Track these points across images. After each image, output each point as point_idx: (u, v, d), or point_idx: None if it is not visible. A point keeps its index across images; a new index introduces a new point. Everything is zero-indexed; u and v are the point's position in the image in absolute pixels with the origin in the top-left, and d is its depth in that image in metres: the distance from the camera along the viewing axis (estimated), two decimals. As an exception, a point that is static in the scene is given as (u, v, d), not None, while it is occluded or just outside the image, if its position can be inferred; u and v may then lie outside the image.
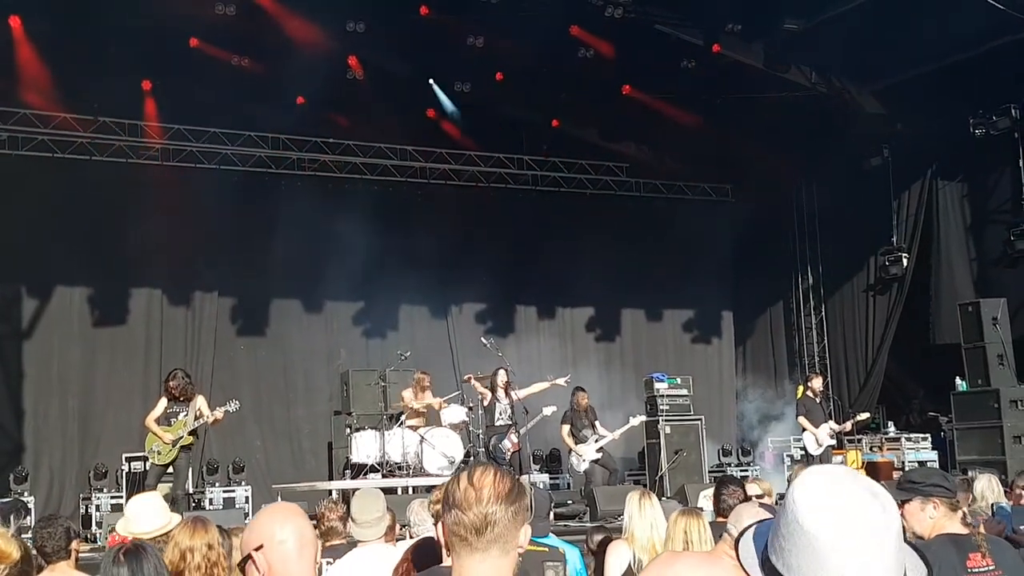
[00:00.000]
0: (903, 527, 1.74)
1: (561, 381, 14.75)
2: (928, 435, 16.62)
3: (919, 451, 16.27)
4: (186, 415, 11.80)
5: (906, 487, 4.67)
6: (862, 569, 1.59)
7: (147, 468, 12.28)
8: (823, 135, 18.27)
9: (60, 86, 15.42)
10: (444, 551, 2.41)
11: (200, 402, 11.95)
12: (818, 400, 14.87)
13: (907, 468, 15.40)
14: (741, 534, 1.82)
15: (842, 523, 1.62)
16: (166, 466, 11.84)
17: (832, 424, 14.94)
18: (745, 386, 20.76)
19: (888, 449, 16.52)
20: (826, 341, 19.74)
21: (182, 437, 11.73)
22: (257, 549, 2.81)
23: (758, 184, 20.02)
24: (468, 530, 2.26)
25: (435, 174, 18.70)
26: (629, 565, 6.31)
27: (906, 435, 16.60)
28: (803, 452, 15.02)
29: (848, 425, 15.38)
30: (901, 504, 5.42)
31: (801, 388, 15.16)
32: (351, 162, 18.00)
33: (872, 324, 18.58)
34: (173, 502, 11.20)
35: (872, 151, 18.39)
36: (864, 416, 15.60)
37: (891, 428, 17.12)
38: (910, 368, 18.32)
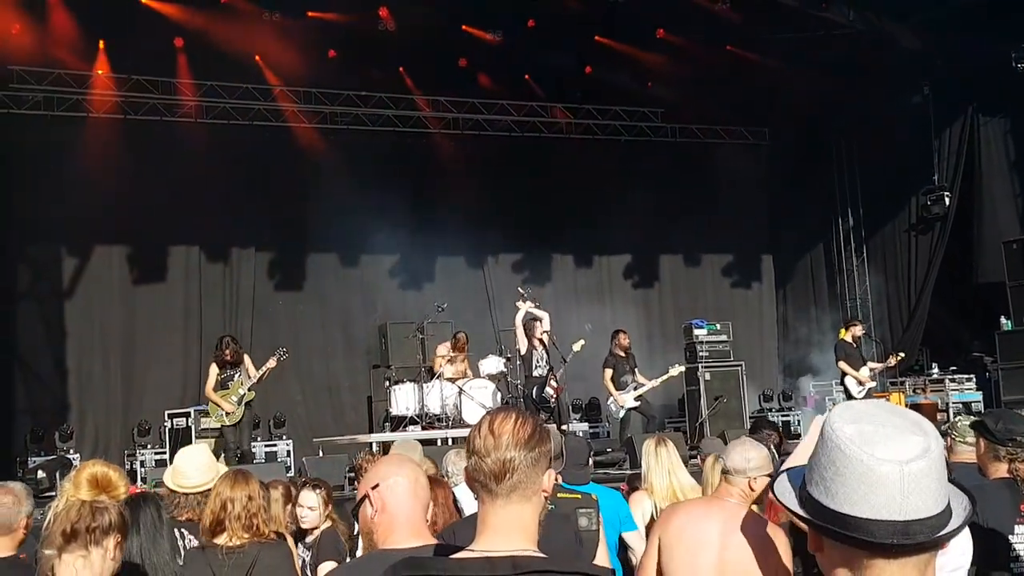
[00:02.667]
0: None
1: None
2: (973, 376, 16.42)
3: (963, 392, 16.11)
4: (240, 375, 12.40)
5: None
6: (906, 485, 1.58)
7: (221, 428, 12.74)
8: (862, 73, 17.94)
9: (92, 45, 15.45)
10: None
11: (247, 362, 12.58)
12: (857, 346, 14.81)
13: (951, 409, 15.29)
14: (775, 478, 1.78)
15: (884, 443, 1.61)
16: (235, 425, 12.41)
17: (872, 364, 14.86)
18: (787, 330, 20.63)
19: (932, 391, 16.36)
20: (868, 283, 19.50)
21: (243, 395, 12.32)
22: (374, 488, 2.98)
23: (796, 126, 19.71)
24: (488, 476, 2.26)
25: (468, 124, 18.59)
26: (652, 516, 6.28)
27: (950, 376, 16.42)
28: (846, 396, 14.91)
29: (892, 360, 15.19)
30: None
31: (843, 331, 15.03)
32: (383, 114, 17.93)
33: (915, 264, 18.33)
34: (241, 457, 11.76)
35: (912, 88, 18.07)
36: (900, 356, 15.38)
37: (935, 369, 16.93)
38: (954, 308, 18.09)
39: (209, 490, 4.88)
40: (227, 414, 12.29)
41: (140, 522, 3.98)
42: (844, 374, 14.58)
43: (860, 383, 14.38)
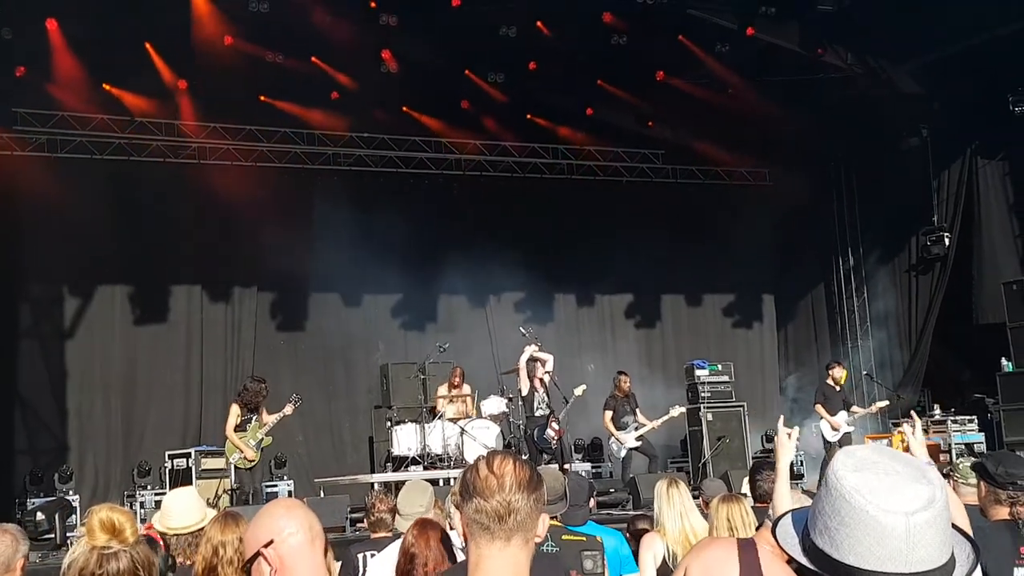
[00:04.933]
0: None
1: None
2: (975, 417, 16.37)
3: (965, 433, 16.04)
4: (255, 420, 12.51)
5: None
6: (912, 536, 1.57)
7: (231, 469, 12.82)
8: (860, 116, 18.04)
9: (97, 88, 15.55)
10: (463, 541, 2.36)
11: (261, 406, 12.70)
12: (838, 389, 14.94)
13: (953, 451, 15.24)
14: (778, 520, 1.78)
15: (888, 493, 1.59)
16: (250, 469, 12.54)
17: (856, 408, 15.06)
18: (788, 370, 20.60)
19: (934, 432, 16.30)
20: (868, 323, 19.50)
21: (261, 440, 12.50)
22: (267, 545, 2.72)
23: (796, 168, 19.79)
24: (491, 518, 2.23)
25: (470, 165, 18.69)
26: (664, 559, 6.23)
27: (952, 417, 16.37)
28: (821, 439, 14.97)
29: (874, 408, 15.44)
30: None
31: (839, 372, 15.09)
32: (386, 156, 18.02)
33: (915, 305, 18.35)
34: (253, 497, 11.77)
35: (910, 131, 18.17)
36: (883, 404, 15.53)
37: (936, 410, 16.88)
38: (955, 349, 18.07)
39: (197, 531, 4.87)
40: (243, 458, 12.34)
41: None
42: (821, 417, 14.66)
43: (834, 428, 14.48)
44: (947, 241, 17.54)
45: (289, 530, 2.73)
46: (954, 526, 1.65)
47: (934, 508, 1.59)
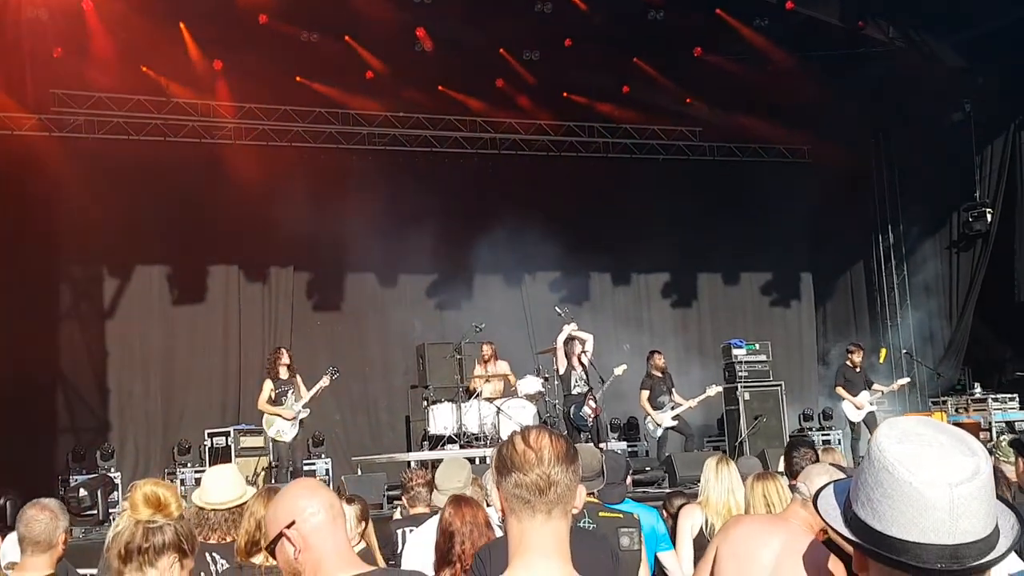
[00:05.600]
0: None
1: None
2: (1016, 395, 16.19)
3: (1007, 411, 15.87)
4: (294, 392, 12.80)
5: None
6: (956, 508, 1.54)
7: (271, 445, 13.32)
8: (901, 91, 17.81)
9: (133, 69, 15.64)
10: (501, 516, 2.36)
11: (298, 380, 13.04)
12: (858, 371, 15.07)
13: (994, 429, 15.10)
14: (819, 492, 1.75)
15: (932, 465, 1.57)
16: (290, 444, 12.82)
17: (878, 386, 15.13)
18: (827, 349, 20.43)
19: (974, 411, 16.14)
20: (908, 301, 19.27)
21: (298, 413, 12.72)
22: (289, 526, 2.74)
23: (835, 143, 19.54)
24: (531, 491, 2.23)
25: (505, 144, 18.63)
26: (701, 529, 6.25)
27: (993, 396, 16.19)
28: (846, 420, 15.08)
29: (896, 385, 15.48)
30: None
31: (858, 356, 15.10)
32: (421, 135, 18.01)
33: (956, 282, 18.09)
34: (294, 475, 11.97)
35: (953, 105, 17.89)
36: (904, 381, 15.64)
37: (977, 389, 16.71)
38: (996, 327, 17.83)
39: (237, 507, 4.90)
40: (280, 431, 12.57)
41: None
42: (842, 399, 14.73)
43: (857, 408, 14.55)
44: (989, 217, 17.26)
45: (311, 510, 2.75)
46: (999, 496, 1.62)
47: (978, 480, 1.56)
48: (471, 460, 12.56)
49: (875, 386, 15.06)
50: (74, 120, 15.94)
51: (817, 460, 6.17)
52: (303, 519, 2.74)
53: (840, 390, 14.93)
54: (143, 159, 16.19)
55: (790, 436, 15.76)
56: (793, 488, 4.31)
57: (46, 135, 15.77)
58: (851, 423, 14.97)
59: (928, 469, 1.56)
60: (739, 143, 19.79)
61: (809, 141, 20.15)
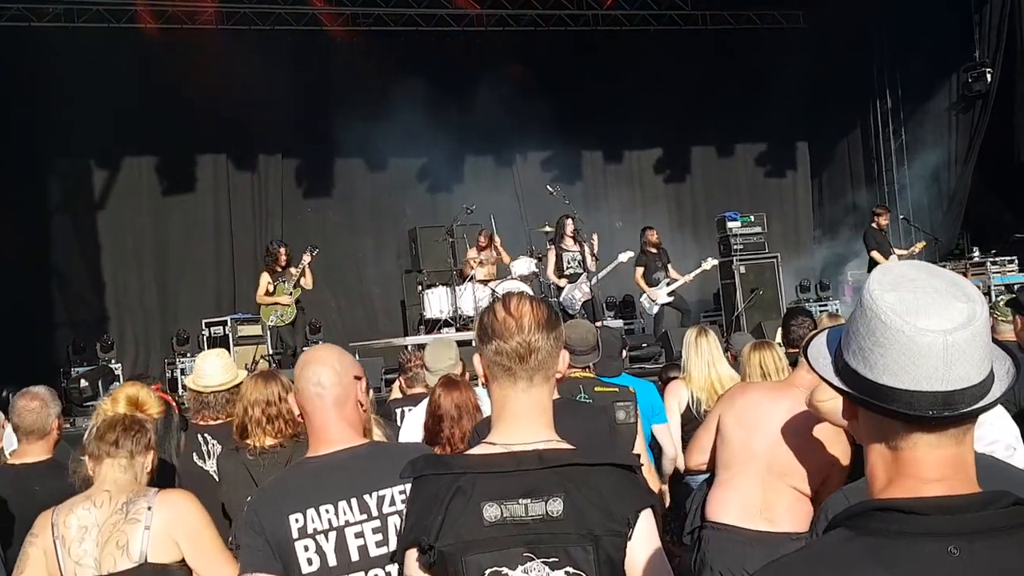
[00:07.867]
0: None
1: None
2: (1015, 257, 16.14)
3: (1006, 275, 15.85)
4: (286, 280, 13.28)
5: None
6: (950, 355, 1.47)
7: (273, 329, 13.67)
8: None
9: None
10: (482, 383, 2.36)
11: (292, 271, 13.46)
12: (886, 234, 15.04)
13: (993, 292, 15.09)
14: (809, 340, 1.67)
15: (926, 312, 1.49)
16: (291, 324, 13.47)
17: (898, 251, 15.06)
18: (823, 218, 20.33)
19: (973, 274, 16.11)
20: (906, 165, 19.07)
21: (292, 292, 13.33)
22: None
23: (831, 7, 19.08)
24: (511, 358, 2.23)
25: (492, 20, 18.21)
26: (688, 405, 6.28)
27: (991, 258, 16.15)
28: None
29: (915, 248, 15.38)
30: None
31: (885, 219, 15.06)
32: (406, 14, 17.59)
33: (955, 145, 17.86)
34: (295, 357, 12.16)
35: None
36: (921, 244, 15.54)
37: (976, 252, 16.66)
38: (995, 189, 17.67)
39: (229, 389, 5.07)
40: (280, 316, 13.15)
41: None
42: (874, 263, 14.56)
43: None
44: (989, 77, 16.93)
45: (301, 382, 2.84)
46: (994, 339, 1.54)
47: (974, 326, 1.49)
48: (467, 342, 12.64)
49: (895, 251, 15.01)
50: (53, 9, 15.56)
51: (815, 328, 6.14)
52: (296, 389, 2.86)
53: (875, 254, 14.78)
54: (124, 47, 15.82)
55: (788, 307, 15.77)
56: (793, 357, 4.28)
57: (25, 25, 15.41)
58: None
59: (921, 316, 1.49)
60: (732, 11, 19.31)
61: (804, 6, 19.70)
